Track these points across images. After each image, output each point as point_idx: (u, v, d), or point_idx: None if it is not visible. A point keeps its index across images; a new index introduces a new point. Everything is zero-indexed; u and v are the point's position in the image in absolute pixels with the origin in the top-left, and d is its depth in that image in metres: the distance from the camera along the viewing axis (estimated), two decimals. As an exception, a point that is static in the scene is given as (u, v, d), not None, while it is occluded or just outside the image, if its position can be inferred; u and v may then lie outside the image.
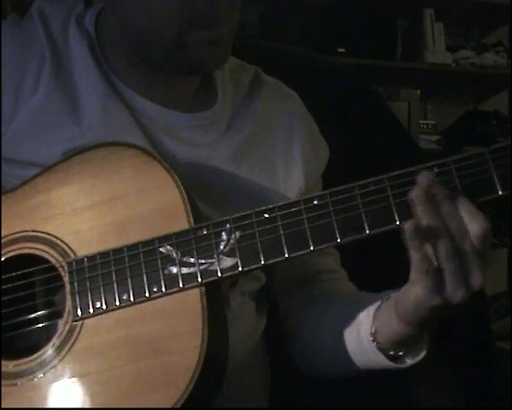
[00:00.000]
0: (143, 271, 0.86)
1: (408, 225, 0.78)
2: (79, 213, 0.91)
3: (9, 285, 0.92)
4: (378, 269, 1.22)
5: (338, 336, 1.00)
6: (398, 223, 0.81)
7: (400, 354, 0.91)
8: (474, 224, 0.79)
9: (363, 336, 0.93)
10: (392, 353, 0.91)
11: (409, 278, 0.83)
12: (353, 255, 1.10)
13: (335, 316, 1.03)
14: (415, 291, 0.81)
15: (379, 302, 0.92)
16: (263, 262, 0.83)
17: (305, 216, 0.83)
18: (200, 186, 0.96)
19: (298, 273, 1.11)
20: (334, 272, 1.13)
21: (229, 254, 0.84)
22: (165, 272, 0.85)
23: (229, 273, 0.84)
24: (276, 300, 1.15)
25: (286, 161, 1.09)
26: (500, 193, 0.80)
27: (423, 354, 0.91)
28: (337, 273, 1.13)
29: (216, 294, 0.87)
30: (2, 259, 0.92)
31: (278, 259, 0.84)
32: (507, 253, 3.46)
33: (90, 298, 0.87)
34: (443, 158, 0.83)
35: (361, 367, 0.98)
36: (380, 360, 0.92)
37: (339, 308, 1.03)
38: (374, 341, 0.91)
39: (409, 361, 0.91)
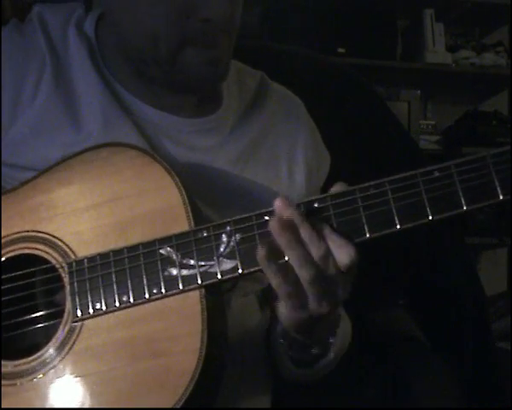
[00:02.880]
0: (143, 272, 0.86)
1: (260, 253, 0.79)
2: (80, 214, 0.91)
3: (10, 285, 0.92)
4: (374, 271, 1.22)
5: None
6: (398, 226, 0.81)
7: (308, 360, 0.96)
8: (340, 255, 0.80)
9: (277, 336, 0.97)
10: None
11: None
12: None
13: None
14: (281, 308, 0.84)
15: None
16: (263, 265, 0.84)
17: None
18: (202, 190, 0.96)
19: None
20: None
21: (230, 256, 0.84)
22: (165, 273, 0.85)
23: (229, 276, 0.84)
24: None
25: (289, 167, 1.09)
26: (501, 198, 0.80)
27: (331, 356, 0.96)
28: None
29: (216, 296, 0.87)
30: (3, 259, 0.92)
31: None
32: (507, 253, 3.46)
33: (89, 299, 0.87)
34: (443, 158, 0.83)
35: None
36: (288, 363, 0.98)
37: None
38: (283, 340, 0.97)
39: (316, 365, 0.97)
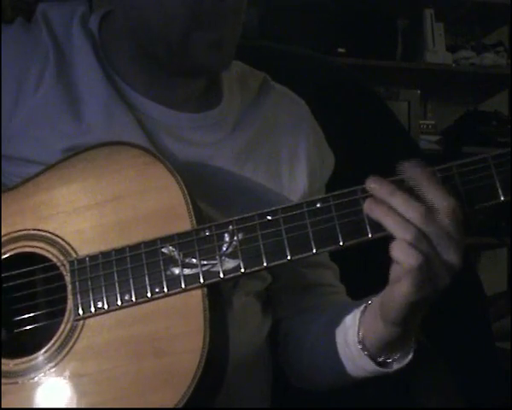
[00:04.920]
0: (145, 271, 0.86)
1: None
2: (81, 213, 0.91)
3: (10, 284, 0.92)
4: (377, 285, 1.23)
5: (325, 342, 1.00)
6: None
7: (389, 360, 0.91)
8: (439, 202, 0.79)
9: (351, 341, 0.94)
10: (380, 359, 0.91)
11: (389, 279, 0.84)
12: (353, 270, 1.11)
13: (324, 323, 1.03)
14: (399, 289, 0.81)
15: (363, 306, 0.93)
16: (265, 264, 0.84)
17: (307, 219, 0.83)
18: (202, 186, 0.96)
19: (294, 285, 1.11)
20: (332, 287, 1.13)
21: (232, 255, 0.84)
22: (168, 272, 0.85)
23: (232, 275, 0.84)
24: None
25: (291, 165, 1.09)
26: (502, 199, 0.81)
27: (410, 357, 0.91)
28: (335, 288, 1.13)
29: (218, 295, 0.87)
30: (4, 257, 0.92)
31: (280, 261, 0.84)
32: (507, 253, 3.46)
33: (91, 298, 0.87)
34: (443, 158, 0.83)
35: (347, 374, 0.97)
36: (367, 366, 0.93)
37: (328, 316, 1.03)
38: (362, 347, 0.92)
39: (395, 366, 0.92)
